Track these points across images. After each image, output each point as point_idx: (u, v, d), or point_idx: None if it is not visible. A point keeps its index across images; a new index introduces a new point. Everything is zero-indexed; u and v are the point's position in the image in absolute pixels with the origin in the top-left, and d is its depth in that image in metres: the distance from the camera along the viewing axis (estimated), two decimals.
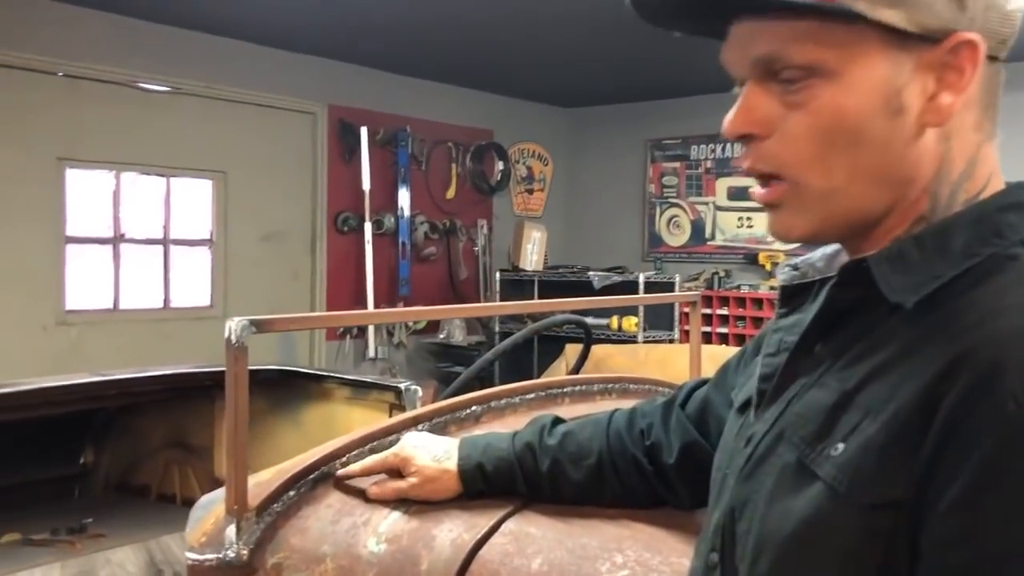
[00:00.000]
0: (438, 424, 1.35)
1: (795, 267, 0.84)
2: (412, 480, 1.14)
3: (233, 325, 1.08)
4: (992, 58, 0.70)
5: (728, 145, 7.01)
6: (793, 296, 0.83)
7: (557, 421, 1.16)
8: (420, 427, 1.33)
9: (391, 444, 1.26)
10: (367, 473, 1.19)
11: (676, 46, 4.59)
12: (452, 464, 1.13)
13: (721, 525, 0.77)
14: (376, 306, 6.22)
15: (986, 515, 0.58)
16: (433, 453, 1.15)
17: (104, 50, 4.96)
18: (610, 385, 1.73)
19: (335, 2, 4.72)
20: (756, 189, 0.75)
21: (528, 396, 1.53)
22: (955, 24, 0.67)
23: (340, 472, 1.21)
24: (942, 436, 0.60)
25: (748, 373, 0.88)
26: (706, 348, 3.15)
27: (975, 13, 0.68)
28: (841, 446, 0.66)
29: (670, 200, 7.48)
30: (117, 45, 5.00)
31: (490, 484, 1.13)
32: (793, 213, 0.73)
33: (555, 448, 1.11)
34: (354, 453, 1.23)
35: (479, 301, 7.05)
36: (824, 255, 0.84)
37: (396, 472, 1.17)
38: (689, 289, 6.74)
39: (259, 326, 1.10)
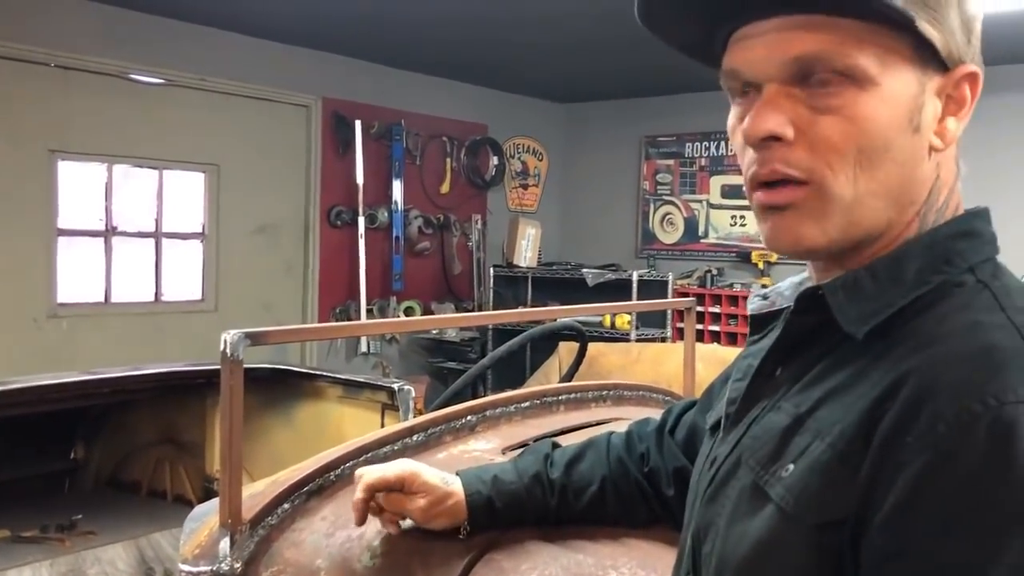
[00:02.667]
0: (433, 434, 1.35)
1: (764, 296, 0.86)
2: (420, 502, 1.06)
3: (229, 338, 1.07)
4: None
5: (722, 143, 7.01)
6: (762, 323, 0.85)
7: (555, 446, 1.16)
8: (415, 437, 1.33)
9: (386, 456, 1.26)
10: (379, 489, 1.07)
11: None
12: (457, 487, 1.08)
13: (691, 548, 0.79)
14: (369, 300, 6.20)
15: (916, 531, 0.60)
16: (441, 475, 1.09)
17: (97, 41, 4.92)
18: (604, 392, 1.73)
19: None
20: (762, 194, 0.72)
21: (523, 405, 1.53)
22: (966, 55, 0.71)
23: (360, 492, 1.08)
24: (879, 456, 0.62)
25: (722, 395, 0.90)
26: (699, 347, 3.16)
27: (976, 49, 0.73)
28: (791, 467, 0.68)
29: (664, 197, 7.48)
30: (110, 36, 4.96)
31: (497, 519, 1.09)
32: (806, 219, 0.70)
33: (560, 480, 1.10)
34: (348, 465, 1.22)
35: (473, 296, 7.05)
36: (792, 284, 0.86)
37: (398, 489, 1.08)
38: (681, 286, 6.74)
39: (255, 339, 1.10)
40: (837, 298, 0.70)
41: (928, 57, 0.69)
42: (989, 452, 0.58)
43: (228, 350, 1.07)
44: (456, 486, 1.09)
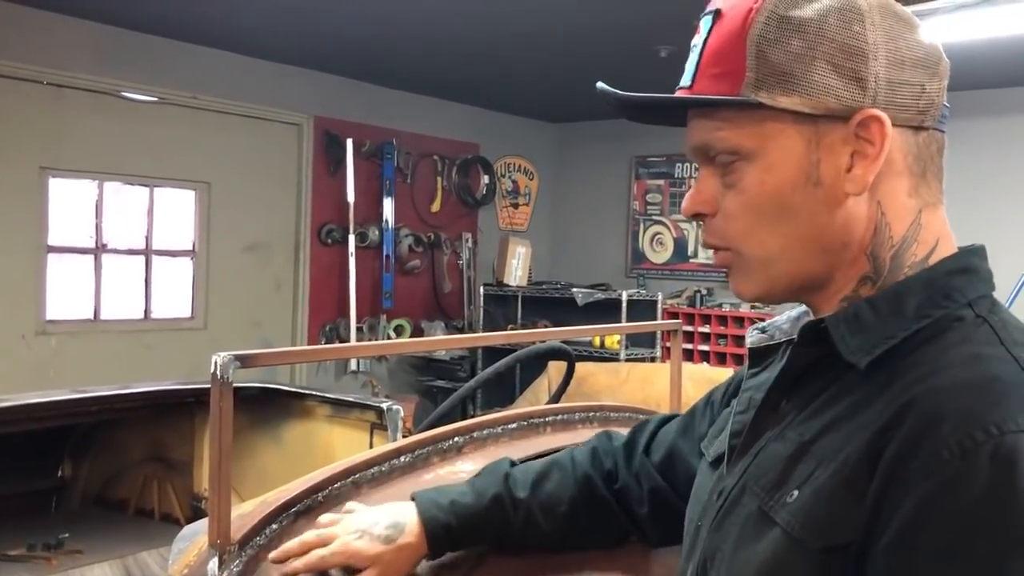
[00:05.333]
0: (420, 456, 1.36)
1: (763, 330, 0.89)
2: (373, 572, 1.03)
3: (219, 360, 1.08)
4: (919, 128, 0.75)
5: None
6: (761, 356, 0.88)
7: (512, 463, 1.12)
8: (403, 458, 1.34)
9: (373, 476, 1.27)
10: (308, 571, 1.05)
11: (661, 65, 4.62)
12: (407, 538, 1.04)
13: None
14: (359, 318, 6.21)
15: (919, 554, 0.62)
16: (382, 533, 1.04)
17: (89, 59, 4.94)
18: (591, 413, 1.74)
19: (321, 14, 4.73)
20: (712, 257, 0.83)
21: (511, 426, 1.54)
22: (858, 102, 0.73)
23: (272, 556, 1.09)
24: (884, 482, 0.64)
25: (719, 426, 0.92)
26: (687, 367, 3.18)
27: (877, 91, 0.73)
28: (796, 493, 0.70)
29: (654, 217, 7.53)
30: (102, 54, 4.99)
31: (457, 544, 1.07)
32: (741, 278, 0.80)
33: (526, 500, 1.07)
34: (336, 486, 1.23)
35: (463, 315, 7.06)
36: (789, 318, 0.88)
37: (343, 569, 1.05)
38: (671, 306, 6.77)
39: (245, 361, 1.11)
40: (839, 330, 0.73)
41: (812, 117, 0.73)
42: (992, 479, 0.60)
43: (218, 372, 1.08)
44: (404, 537, 1.04)
